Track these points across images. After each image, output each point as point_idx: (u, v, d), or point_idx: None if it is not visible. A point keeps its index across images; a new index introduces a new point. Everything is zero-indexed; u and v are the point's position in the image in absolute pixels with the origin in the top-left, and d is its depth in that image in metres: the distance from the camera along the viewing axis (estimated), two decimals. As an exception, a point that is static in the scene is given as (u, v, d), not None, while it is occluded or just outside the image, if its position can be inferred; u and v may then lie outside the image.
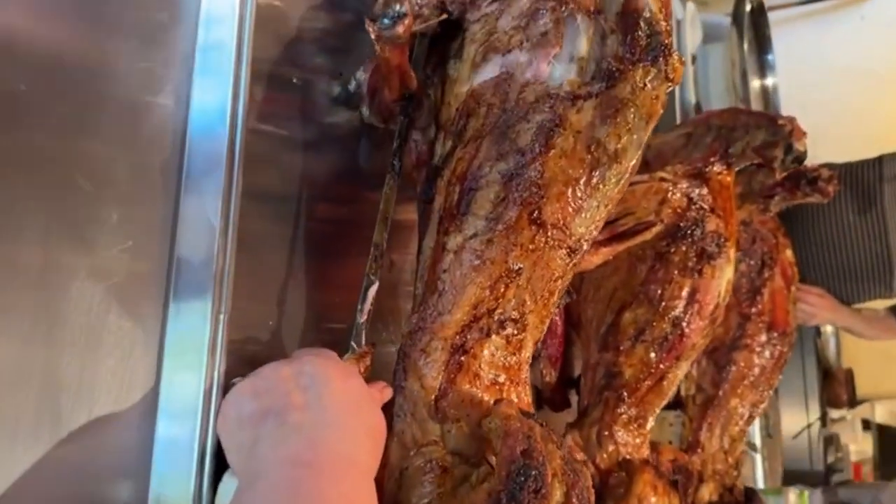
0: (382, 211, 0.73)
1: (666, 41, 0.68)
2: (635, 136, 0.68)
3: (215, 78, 0.66)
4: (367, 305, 0.69)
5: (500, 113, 0.70)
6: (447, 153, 0.74)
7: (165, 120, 0.64)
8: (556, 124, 0.67)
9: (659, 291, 1.02)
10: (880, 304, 2.05)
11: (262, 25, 0.69)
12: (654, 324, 1.01)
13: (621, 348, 1.02)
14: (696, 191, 1.04)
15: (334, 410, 0.57)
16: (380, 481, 0.64)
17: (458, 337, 0.67)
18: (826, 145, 3.07)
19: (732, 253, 1.05)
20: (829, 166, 1.99)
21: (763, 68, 2.16)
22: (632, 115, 0.68)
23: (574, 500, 0.59)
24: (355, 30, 0.82)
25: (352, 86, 0.81)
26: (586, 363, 1.06)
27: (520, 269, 0.68)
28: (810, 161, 1.87)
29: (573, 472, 0.62)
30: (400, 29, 0.67)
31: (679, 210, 1.03)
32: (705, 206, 1.04)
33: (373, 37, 0.69)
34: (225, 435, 0.60)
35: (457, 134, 0.73)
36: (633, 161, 0.70)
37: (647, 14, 0.68)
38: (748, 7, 1.80)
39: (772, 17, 2.50)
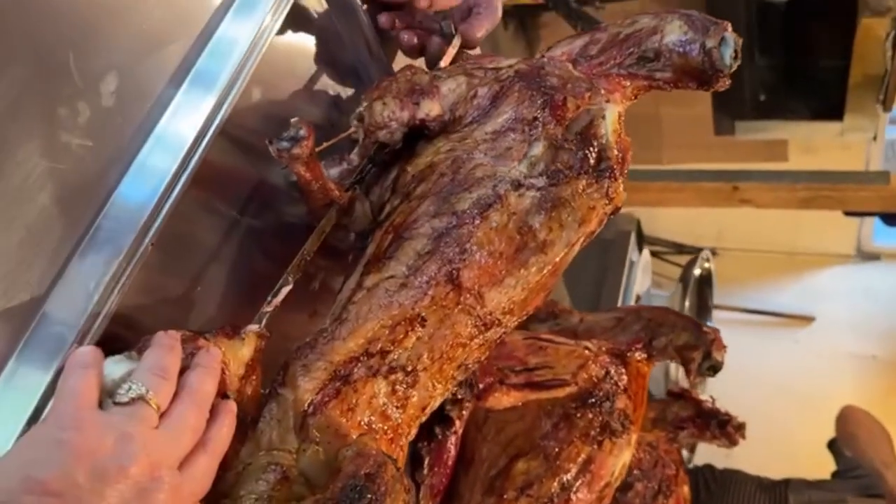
0: (321, 226, 0.74)
1: (614, 166, 0.73)
2: (565, 234, 0.71)
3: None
4: (276, 300, 0.68)
5: (449, 182, 0.73)
6: (392, 210, 0.76)
7: (97, 174, 0.61)
8: (495, 200, 0.70)
9: (557, 450, 1.01)
10: None
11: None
12: (544, 480, 1.00)
13: (505, 497, 1.00)
14: (615, 368, 1.08)
15: None
16: (225, 467, 0.62)
17: (344, 365, 0.65)
18: (738, 448, 3.17)
19: (634, 438, 1.07)
20: (742, 474, 2.06)
21: (699, 332, 2.29)
22: (566, 215, 0.71)
23: None
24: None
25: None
26: (467, 504, 1.04)
27: (424, 320, 0.68)
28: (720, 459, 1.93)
29: None
30: (297, 150, 0.69)
31: (595, 379, 1.06)
32: (620, 384, 1.07)
33: (274, 156, 0.70)
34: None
35: (405, 194, 0.76)
36: (559, 256, 0.72)
37: (603, 140, 0.73)
38: (697, 272, 1.96)
39: (715, 315, 2.70)
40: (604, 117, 0.76)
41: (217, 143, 0.69)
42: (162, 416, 0.53)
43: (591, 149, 0.74)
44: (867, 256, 3.82)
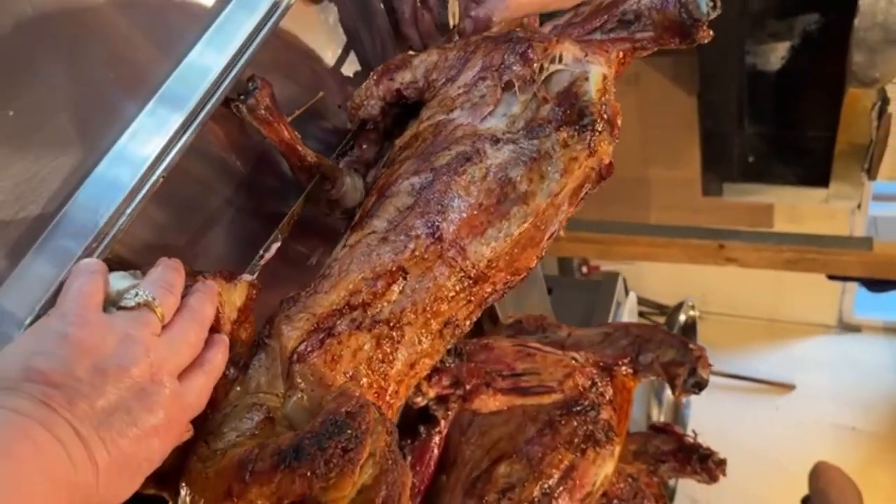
0: (308, 189, 0.76)
1: (597, 119, 0.72)
2: (546, 184, 0.71)
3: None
4: (267, 255, 0.69)
5: (430, 144, 0.74)
6: (378, 176, 0.78)
7: (116, 104, 0.61)
8: (473, 154, 0.71)
9: (540, 454, 1.01)
10: None
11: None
12: (526, 484, 0.99)
13: (486, 499, 0.99)
14: (601, 379, 1.08)
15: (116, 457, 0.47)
16: (214, 408, 0.62)
17: (327, 318, 0.65)
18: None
19: (617, 450, 1.07)
20: None
21: (682, 379, 2.29)
22: (547, 166, 0.71)
23: (384, 487, 0.56)
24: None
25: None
26: (446, 507, 1.03)
27: (406, 272, 0.68)
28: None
29: (394, 461, 0.58)
30: (251, 101, 0.71)
31: (581, 388, 1.06)
32: (605, 395, 1.07)
33: (233, 111, 0.72)
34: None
35: (390, 161, 0.77)
36: (542, 206, 0.72)
37: (585, 98, 0.73)
38: (682, 318, 1.98)
39: None
40: (587, 78, 0.76)
41: (221, 113, 0.70)
42: (164, 328, 0.54)
43: (572, 106, 0.74)
44: (848, 328, 3.86)
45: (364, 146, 0.85)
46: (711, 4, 0.76)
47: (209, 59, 0.66)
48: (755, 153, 3.01)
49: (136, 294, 0.53)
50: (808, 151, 2.92)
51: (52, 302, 0.53)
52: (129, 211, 0.58)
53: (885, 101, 2.63)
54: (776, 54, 2.89)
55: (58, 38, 0.56)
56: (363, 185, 0.82)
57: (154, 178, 0.60)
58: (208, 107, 0.65)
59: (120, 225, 0.57)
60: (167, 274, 0.56)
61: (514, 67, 0.74)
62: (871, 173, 2.75)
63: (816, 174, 2.88)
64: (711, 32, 0.78)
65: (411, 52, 0.82)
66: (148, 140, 0.62)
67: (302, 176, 0.78)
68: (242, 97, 0.71)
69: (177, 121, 0.63)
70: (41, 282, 0.53)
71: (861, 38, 2.41)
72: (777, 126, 3.01)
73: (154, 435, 0.49)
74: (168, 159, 0.62)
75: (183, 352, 0.54)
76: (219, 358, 0.57)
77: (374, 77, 0.81)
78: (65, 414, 0.45)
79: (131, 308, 0.53)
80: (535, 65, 0.74)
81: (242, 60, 0.68)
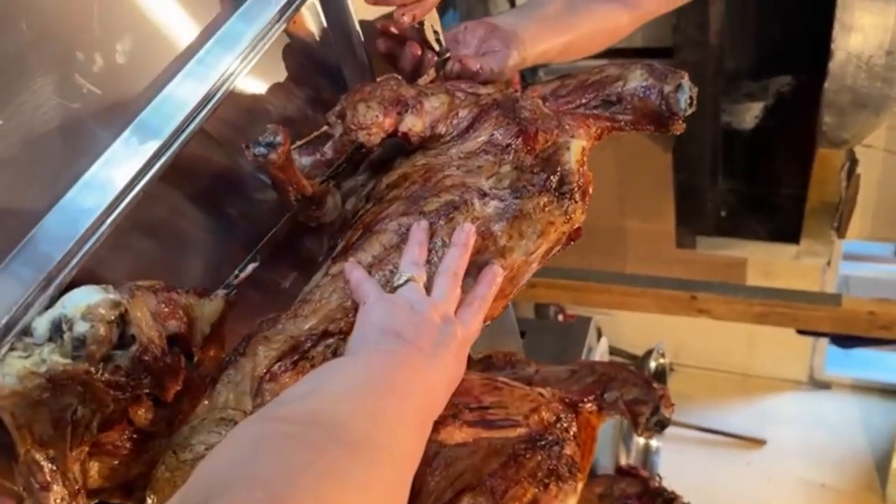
0: (292, 213, 0.79)
1: (574, 189, 0.79)
2: (524, 242, 0.76)
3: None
4: (243, 275, 0.72)
5: (420, 188, 0.78)
6: (364, 212, 0.81)
7: (102, 120, 0.64)
8: (461, 204, 0.76)
9: (504, 487, 1.02)
10: None
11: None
12: (489, 517, 1.02)
13: (449, 530, 1.01)
14: (566, 415, 1.11)
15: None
16: (181, 421, 0.64)
17: (304, 341, 0.68)
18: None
19: (580, 486, 1.08)
20: None
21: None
22: (527, 226, 0.76)
23: None
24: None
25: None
26: (409, 537, 1.04)
27: None
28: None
29: None
30: (273, 156, 0.71)
31: (546, 423, 1.08)
32: (570, 431, 1.09)
33: (251, 161, 0.72)
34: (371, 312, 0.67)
35: (377, 198, 0.80)
36: (517, 262, 0.77)
37: (566, 167, 0.79)
38: (652, 364, 2.01)
39: (668, 431, 2.72)
40: (569, 148, 0.83)
41: (197, 136, 0.72)
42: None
43: (555, 173, 0.81)
44: (819, 385, 3.89)
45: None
46: (689, 101, 0.82)
47: (186, 92, 0.69)
48: (728, 208, 3.08)
49: (401, 276, 0.71)
50: (780, 208, 2.99)
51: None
52: (96, 236, 0.60)
53: (853, 161, 2.71)
54: (750, 114, 2.99)
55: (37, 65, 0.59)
56: (341, 201, 0.85)
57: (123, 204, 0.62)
58: (183, 136, 0.68)
59: (101, 232, 0.59)
60: (415, 254, 0.73)
61: (520, 154, 0.80)
62: (841, 231, 2.82)
63: (787, 231, 2.94)
64: (685, 126, 0.83)
65: (422, 91, 0.82)
66: (120, 167, 0.64)
67: (288, 199, 0.81)
68: (264, 150, 0.71)
69: (150, 149, 0.65)
70: (18, 287, 0.55)
71: (831, 100, 2.49)
72: (750, 183, 3.10)
73: (458, 351, 0.70)
74: (138, 188, 0.64)
75: (449, 300, 0.72)
76: (488, 291, 0.75)
77: (382, 105, 0.80)
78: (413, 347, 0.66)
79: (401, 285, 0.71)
80: (535, 153, 0.80)
81: (219, 94, 0.71)
